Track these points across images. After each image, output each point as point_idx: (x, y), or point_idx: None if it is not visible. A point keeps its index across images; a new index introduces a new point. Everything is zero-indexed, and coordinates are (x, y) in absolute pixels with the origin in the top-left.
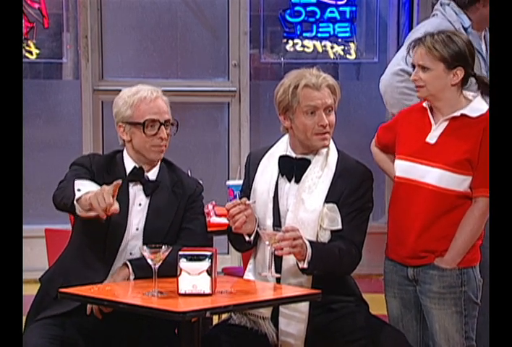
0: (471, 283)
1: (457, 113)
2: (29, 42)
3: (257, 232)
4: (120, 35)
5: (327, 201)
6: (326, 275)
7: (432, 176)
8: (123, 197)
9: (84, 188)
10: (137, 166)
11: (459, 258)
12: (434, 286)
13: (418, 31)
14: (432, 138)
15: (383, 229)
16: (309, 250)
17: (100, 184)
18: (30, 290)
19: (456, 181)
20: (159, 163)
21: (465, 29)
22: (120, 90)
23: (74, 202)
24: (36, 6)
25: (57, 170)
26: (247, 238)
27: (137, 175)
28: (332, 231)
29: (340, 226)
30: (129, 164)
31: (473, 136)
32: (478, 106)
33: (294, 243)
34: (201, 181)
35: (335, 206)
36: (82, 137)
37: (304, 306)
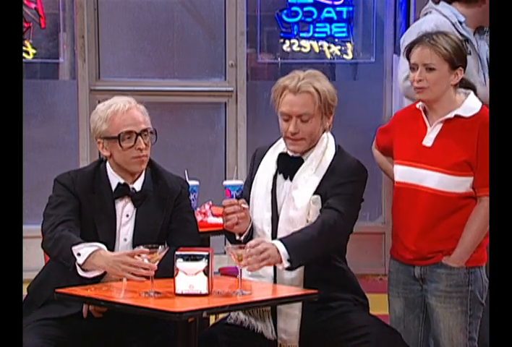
0: (478, 282)
1: (451, 115)
2: (25, 42)
3: (249, 231)
4: (117, 35)
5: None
6: (316, 260)
7: (431, 179)
8: (110, 213)
9: (84, 251)
10: (121, 182)
11: (467, 256)
12: (441, 285)
13: (413, 32)
14: (428, 141)
15: (380, 229)
16: (283, 250)
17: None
18: (24, 291)
19: (456, 183)
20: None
21: (460, 23)
22: (117, 90)
23: (77, 266)
24: (33, 6)
25: (53, 170)
26: (237, 238)
27: (123, 190)
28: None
29: None
30: (114, 180)
31: (469, 137)
32: (471, 105)
33: (261, 257)
34: (197, 182)
35: (318, 198)
36: (79, 137)
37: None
